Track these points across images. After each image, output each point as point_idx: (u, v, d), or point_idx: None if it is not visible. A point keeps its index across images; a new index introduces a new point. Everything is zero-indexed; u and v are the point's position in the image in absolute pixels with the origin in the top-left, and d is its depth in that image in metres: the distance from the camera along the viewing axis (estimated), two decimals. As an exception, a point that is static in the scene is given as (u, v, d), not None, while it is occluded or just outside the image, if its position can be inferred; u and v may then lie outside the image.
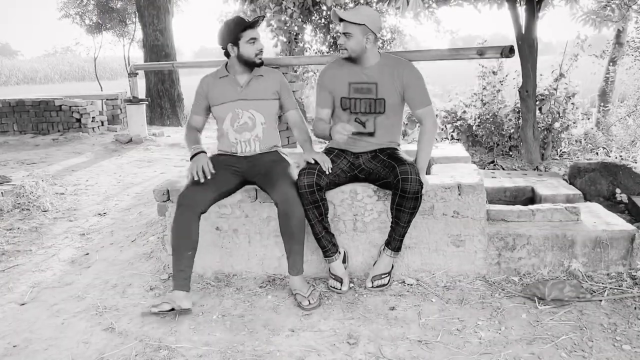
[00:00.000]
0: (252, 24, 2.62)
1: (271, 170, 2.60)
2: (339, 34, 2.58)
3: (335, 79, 2.66)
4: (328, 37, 9.36)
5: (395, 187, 2.43)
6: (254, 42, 2.63)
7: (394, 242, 2.55)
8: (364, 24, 2.49)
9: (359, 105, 2.62)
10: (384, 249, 2.61)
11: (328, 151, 2.71)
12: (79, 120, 8.12)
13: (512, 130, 5.96)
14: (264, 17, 2.73)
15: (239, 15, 2.66)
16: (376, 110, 2.61)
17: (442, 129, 6.62)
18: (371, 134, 2.66)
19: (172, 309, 2.33)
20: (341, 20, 2.53)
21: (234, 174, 2.67)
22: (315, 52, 9.17)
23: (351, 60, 2.60)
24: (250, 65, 2.68)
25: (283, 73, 3.14)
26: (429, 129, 2.58)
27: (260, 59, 2.67)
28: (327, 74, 2.70)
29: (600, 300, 2.36)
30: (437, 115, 6.66)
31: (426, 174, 2.65)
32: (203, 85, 2.77)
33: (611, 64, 8.53)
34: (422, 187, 2.41)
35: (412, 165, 2.46)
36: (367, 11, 2.53)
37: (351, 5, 8.58)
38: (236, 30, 2.60)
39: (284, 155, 2.77)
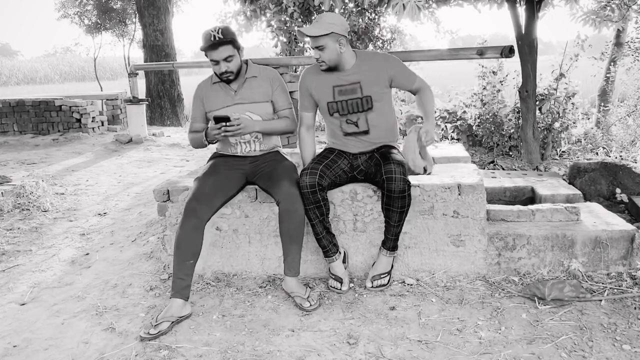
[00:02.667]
0: (211, 47, 2.46)
1: (273, 169, 2.60)
2: (313, 48, 2.55)
3: (318, 85, 2.65)
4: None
5: (381, 187, 2.45)
6: (216, 64, 2.52)
7: (388, 241, 2.56)
8: (332, 32, 2.46)
9: (346, 106, 2.62)
10: (380, 249, 2.62)
11: (329, 151, 2.71)
12: (79, 121, 8.12)
13: (512, 130, 5.96)
14: (231, 40, 2.48)
15: (208, 31, 2.48)
16: (364, 108, 2.61)
17: (442, 129, 6.61)
18: (366, 132, 2.66)
19: (172, 323, 2.28)
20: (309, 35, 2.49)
21: (238, 174, 2.66)
22: (315, 52, 9.17)
23: (330, 69, 2.58)
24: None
25: (283, 73, 3.11)
26: (425, 89, 2.65)
27: (227, 77, 2.57)
28: (308, 78, 2.69)
29: (600, 300, 2.36)
30: (437, 116, 6.67)
31: (426, 174, 2.65)
32: (199, 91, 2.73)
33: (611, 64, 8.52)
34: (409, 186, 2.42)
35: (398, 164, 2.46)
36: (329, 18, 2.49)
37: (351, 5, 8.57)
38: (202, 47, 2.51)
39: (285, 156, 2.76)
